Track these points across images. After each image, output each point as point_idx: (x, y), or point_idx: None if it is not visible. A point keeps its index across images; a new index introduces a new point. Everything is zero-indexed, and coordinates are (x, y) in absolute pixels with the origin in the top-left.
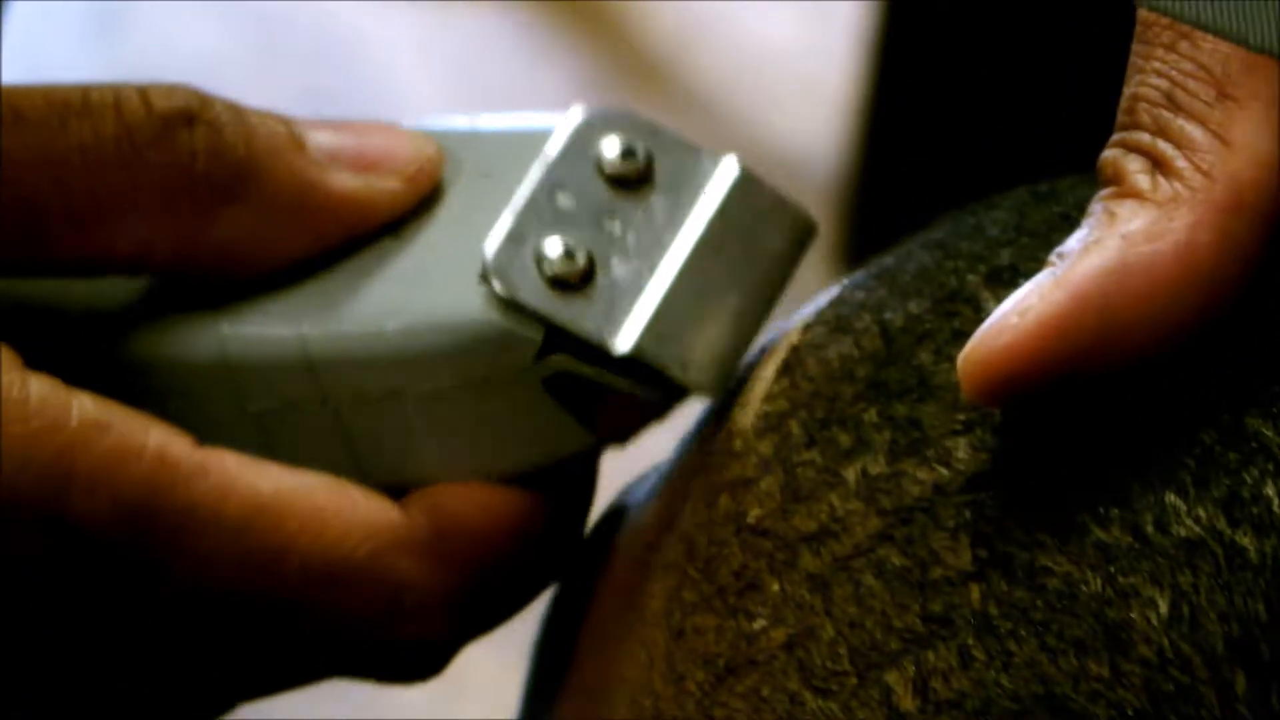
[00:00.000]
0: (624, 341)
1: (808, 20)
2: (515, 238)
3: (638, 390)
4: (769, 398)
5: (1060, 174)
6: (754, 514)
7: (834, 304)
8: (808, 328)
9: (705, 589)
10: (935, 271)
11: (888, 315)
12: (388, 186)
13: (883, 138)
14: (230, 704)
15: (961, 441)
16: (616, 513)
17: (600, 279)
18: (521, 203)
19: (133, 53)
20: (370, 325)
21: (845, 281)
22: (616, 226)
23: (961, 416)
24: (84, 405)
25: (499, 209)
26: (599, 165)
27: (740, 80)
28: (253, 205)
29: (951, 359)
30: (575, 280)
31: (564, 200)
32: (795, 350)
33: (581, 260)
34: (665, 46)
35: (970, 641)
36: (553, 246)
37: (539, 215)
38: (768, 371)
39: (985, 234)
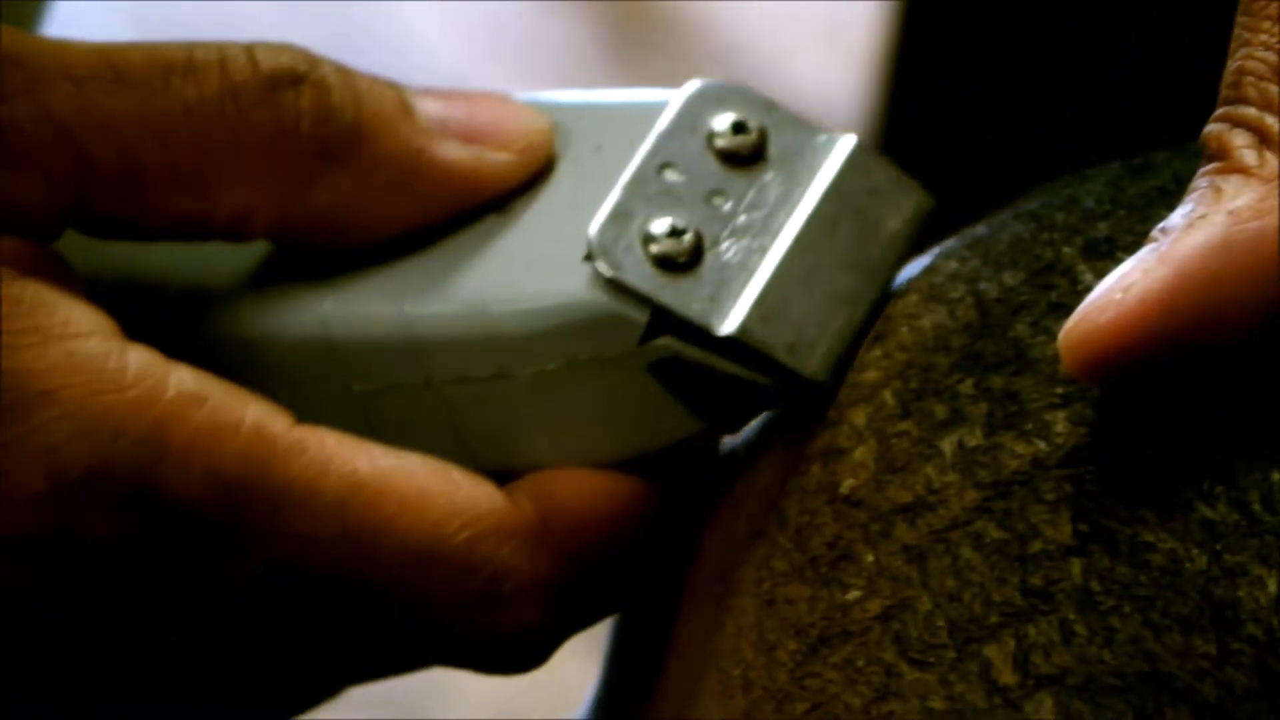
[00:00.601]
0: (730, 323)
1: None
2: (621, 216)
3: (745, 374)
4: (861, 366)
5: (1084, 126)
6: (847, 484)
7: (926, 272)
8: (900, 296)
9: (796, 558)
10: (1030, 243)
11: (982, 286)
12: (497, 159)
13: (906, 88)
14: (320, 692)
15: (1060, 415)
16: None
17: (708, 259)
18: (628, 180)
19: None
20: (474, 306)
21: (937, 250)
22: (726, 204)
23: (1060, 390)
24: (181, 377)
25: (606, 185)
26: (710, 141)
27: (761, 29)
28: (357, 171)
29: (1048, 331)
30: (682, 260)
31: (673, 177)
32: (888, 319)
33: (689, 240)
34: None
35: (1072, 616)
36: (660, 225)
37: (646, 192)
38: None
39: (1081, 206)
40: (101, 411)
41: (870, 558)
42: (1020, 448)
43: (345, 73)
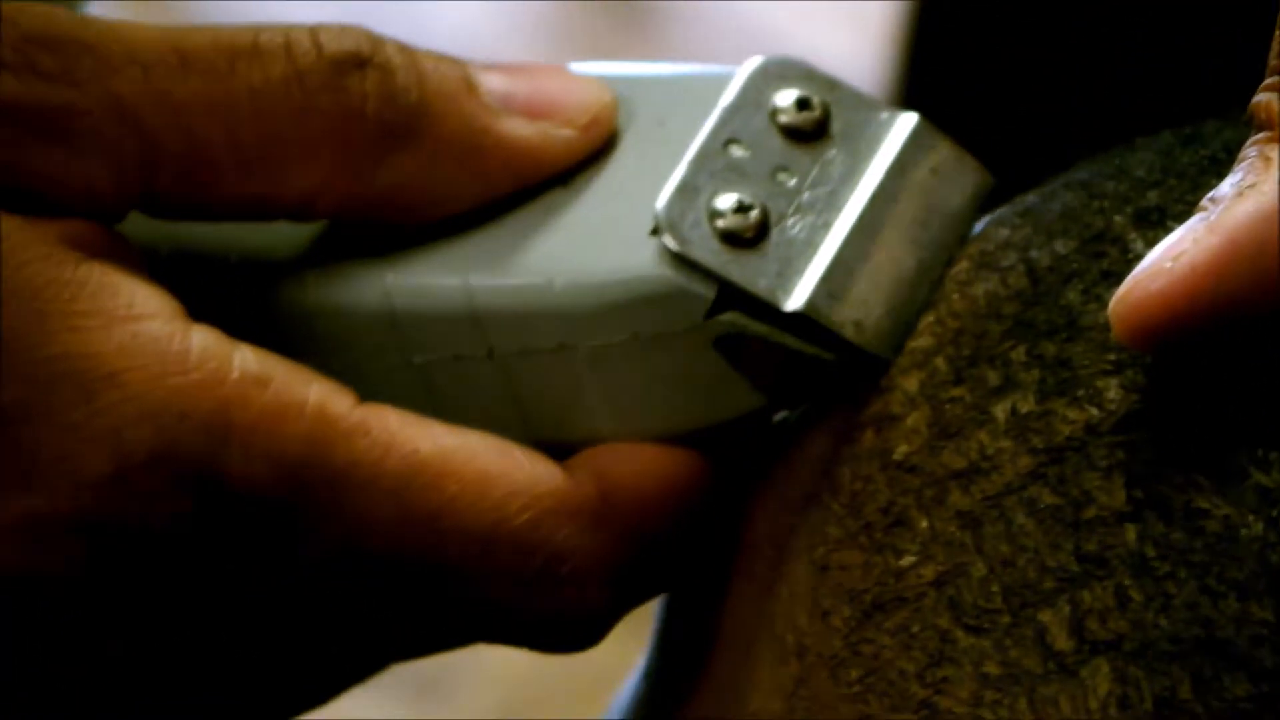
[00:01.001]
0: (796, 299)
1: None
2: (688, 191)
3: (810, 350)
4: (913, 334)
5: (1104, 105)
6: (901, 450)
7: (977, 240)
8: (951, 264)
9: (850, 524)
10: (1081, 211)
11: (1033, 254)
12: (561, 135)
13: (925, 62)
14: (371, 667)
15: (1112, 382)
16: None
17: (774, 235)
18: (694, 154)
19: None
20: (539, 278)
21: (987, 218)
22: (791, 180)
23: (1111, 357)
24: (245, 358)
25: (672, 160)
26: (774, 117)
27: (781, 4)
28: (423, 151)
29: (1100, 299)
30: (749, 236)
31: (738, 152)
32: (940, 286)
33: (755, 215)
34: None
35: (1127, 582)
36: (726, 201)
37: (712, 167)
38: None
39: (1131, 175)
40: (166, 394)
41: (924, 523)
42: (1073, 414)
43: (409, 53)
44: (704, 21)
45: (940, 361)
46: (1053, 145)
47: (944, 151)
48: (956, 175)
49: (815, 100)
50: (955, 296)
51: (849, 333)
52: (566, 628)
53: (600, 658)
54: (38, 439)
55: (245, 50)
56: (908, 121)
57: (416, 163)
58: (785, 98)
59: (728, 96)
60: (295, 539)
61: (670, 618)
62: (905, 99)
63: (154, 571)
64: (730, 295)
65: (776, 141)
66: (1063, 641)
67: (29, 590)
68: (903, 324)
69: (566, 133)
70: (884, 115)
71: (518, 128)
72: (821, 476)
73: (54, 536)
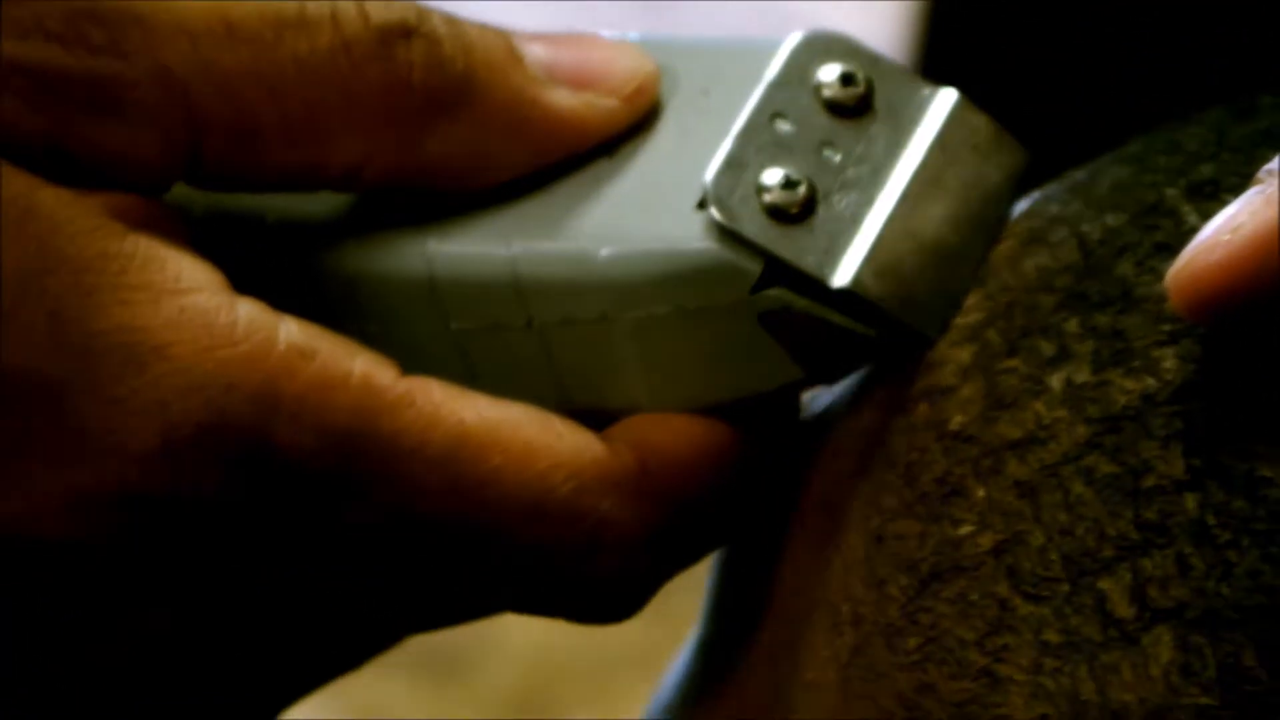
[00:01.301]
0: (843, 276)
1: None
2: (735, 165)
3: (856, 327)
4: (963, 310)
5: (1121, 87)
6: (956, 420)
7: (1026, 217)
8: (999, 240)
9: (906, 495)
10: (1132, 185)
11: (1084, 228)
12: (606, 105)
13: (943, 44)
14: (406, 632)
15: (1169, 352)
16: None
17: (820, 211)
18: (741, 128)
19: None
20: (582, 249)
21: (1035, 195)
22: (835, 156)
23: (1166, 328)
24: (290, 330)
25: (717, 132)
26: (818, 91)
27: None
28: (469, 121)
29: (1154, 271)
30: (795, 211)
31: (784, 127)
32: (987, 262)
33: (802, 191)
34: None
35: (1188, 550)
36: (773, 175)
37: (759, 142)
38: None
39: (1184, 149)
40: (214, 367)
41: (981, 493)
42: (1130, 384)
43: (454, 23)
44: (723, 9)
45: (992, 334)
46: (1070, 129)
47: (984, 128)
48: (996, 152)
49: (859, 75)
50: (1005, 272)
51: (895, 309)
52: (608, 596)
53: (619, 637)
54: (85, 412)
55: (292, 20)
56: (948, 98)
57: (462, 132)
58: (829, 72)
59: (773, 70)
60: (342, 508)
61: (723, 590)
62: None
63: (201, 543)
64: (776, 270)
65: (821, 117)
66: (1124, 609)
67: (77, 561)
68: (947, 300)
69: (611, 102)
70: (925, 91)
71: (563, 98)
72: (875, 449)
73: (101, 509)
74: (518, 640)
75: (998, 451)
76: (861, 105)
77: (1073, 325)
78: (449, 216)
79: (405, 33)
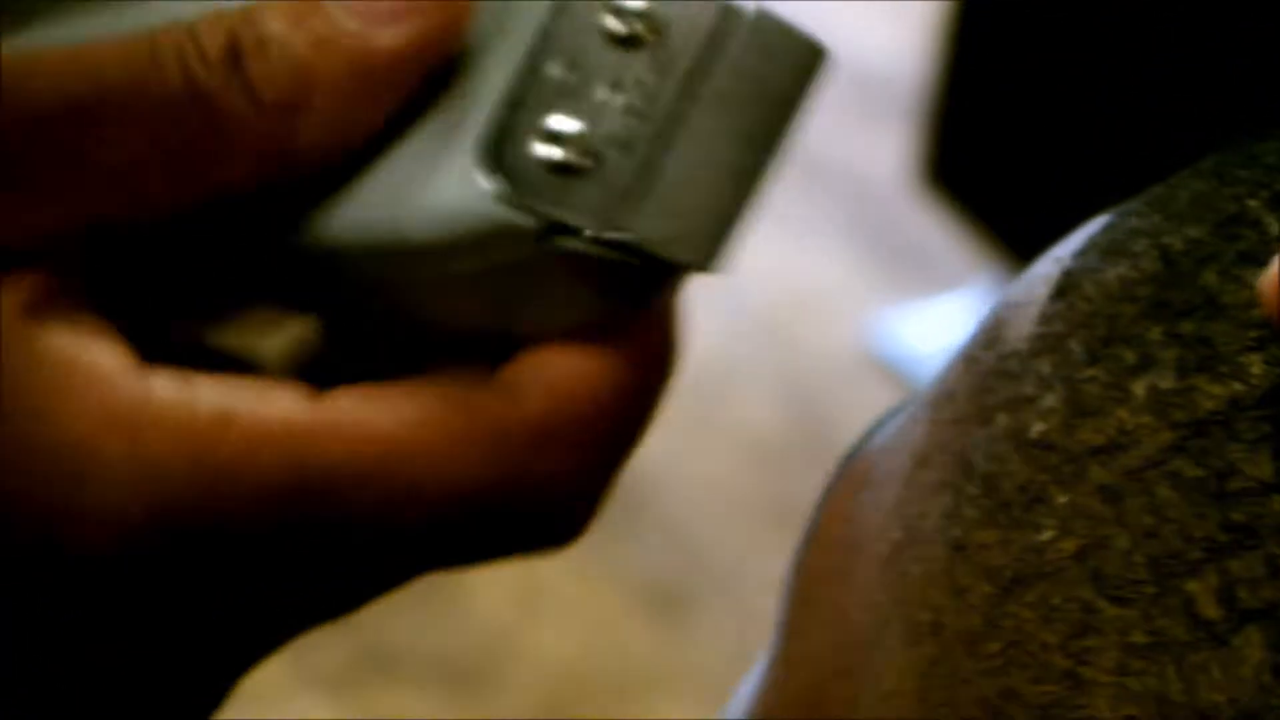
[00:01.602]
0: (621, 227)
1: None
2: (508, 123)
3: (642, 264)
4: (1044, 319)
5: (1141, 96)
6: (1036, 429)
7: (1105, 230)
8: (1080, 253)
9: (986, 504)
10: (1212, 197)
11: (1165, 239)
12: (429, 27)
13: (968, 51)
14: (345, 611)
15: (1255, 357)
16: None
17: (599, 158)
18: (512, 81)
19: None
20: (392, 216)
21: (1114, 211)
22: (615, 95)
23: (1254, 334)
24: (206, 397)
25: (499, 82)
26: (598, 25)
27: None
28: (322, 104)
29: (1238, 279)
30: (571, 163)
31: (559, 71)
32: (1068, 274)
33: (579, 141)
34: None
35: (1277, 551)
36: (552, 124)
37: (536, 90)
38: (1039, 295)
39: (1262, 161)
40: (148, 457)
41: (1063, 499)
42: (1216, 389)
43: (271, 19)
44: None
45: (1074, 344)
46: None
47: (775, 35)
48: (786, 57)
49: (638, 4)
50: (1086, 283)
51: (674, 252)
52: (557, 534)
53: (642, 653)
54: (48, 531)
55: (145, 63)
56: (734, 12)
57: (321, 115)
58: (607, 4)
59: (547, 11)
60: (299, 545)
61: (795, 606)
62: (946, 90)
63: (169, 620)
64: (559, 222)
65: (602, 52)
66: (1211, 610)
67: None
68: (732, 225)
69: (430, 22)
70: (711, 8)
71: (389, 36)
72: (954, 462)
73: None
74: (542, 657)
75: (1080, 458)
76: (645, 33)
77: (1155, 333)
78: (333, 188)
79: (236, 56)
